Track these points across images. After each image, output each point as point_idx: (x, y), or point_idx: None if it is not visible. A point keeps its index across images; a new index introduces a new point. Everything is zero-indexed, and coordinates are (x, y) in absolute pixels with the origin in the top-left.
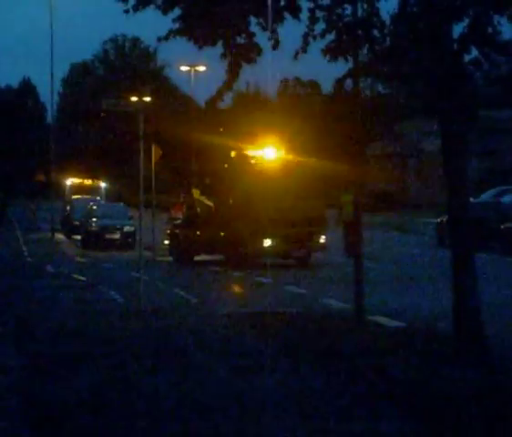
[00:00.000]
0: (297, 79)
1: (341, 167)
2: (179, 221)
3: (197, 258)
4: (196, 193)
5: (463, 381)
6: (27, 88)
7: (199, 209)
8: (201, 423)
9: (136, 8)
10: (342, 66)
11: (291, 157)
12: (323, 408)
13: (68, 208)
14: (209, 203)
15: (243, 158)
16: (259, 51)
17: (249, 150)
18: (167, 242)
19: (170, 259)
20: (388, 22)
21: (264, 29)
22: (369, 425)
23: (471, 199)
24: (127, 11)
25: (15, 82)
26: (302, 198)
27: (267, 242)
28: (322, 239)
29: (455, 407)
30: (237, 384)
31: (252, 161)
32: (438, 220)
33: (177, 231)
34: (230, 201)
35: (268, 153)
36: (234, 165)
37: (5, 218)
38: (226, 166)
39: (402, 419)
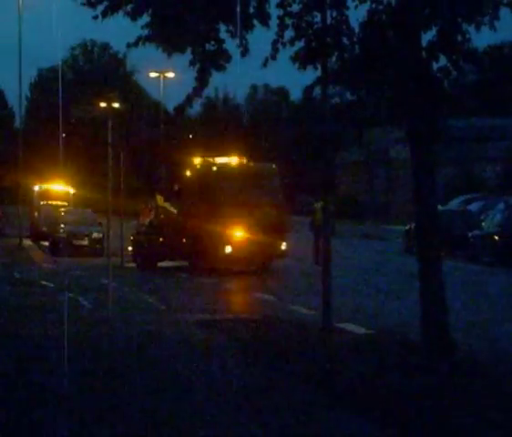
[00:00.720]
0: (266, 86)
1: (311, 174)
2: (142, 228)
3: (160, 264)
4: (160, 199)
5: (423, 385)
6: None
7: (162, 216)
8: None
9: (104, 14)
10: (311, 74)
11: (254, 164)
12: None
13: (36, 213)
14: (173, 210)
15: (205, 166)
16: (228, 58)
17: (212, 158)
18: (130, 248)
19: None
20: (357, 30)
21: (233, 36)
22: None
23: (439, 207)
24: (95, 17)
25: None
26: (264, 206)
27: (228, 249)
28: (283, 246)
29: (404, 410)
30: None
31: (214, 168)
32: (406, 228)
33: (140, 238)
34: (193, 208)
35: (231, 160)
36: (197, 172)
37: None
38: (189, 173)
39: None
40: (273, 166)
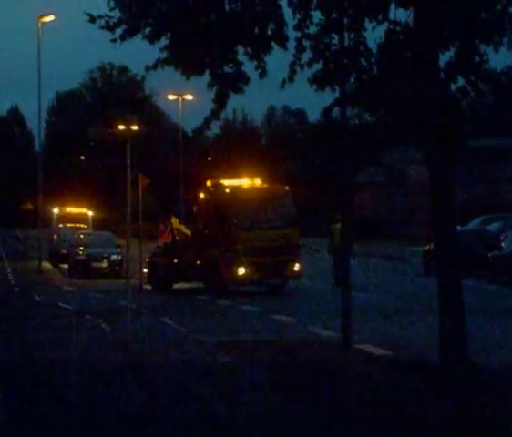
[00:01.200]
0: (285, 107)
1: (329, 195)
2: (158, 250)
3: (177, 286)
4: (175, 222)
5: (442, 408)
6: (15, 116)
7: (177, 238)
8: None
9: (123, 38)
10: (329, 96)
11: (266, 186)
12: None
13: (55, 236)
14: (187, 231)
15: (218, 188)
16: (246, 80)
17: (225, 180)
18: (146, 270)
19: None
20: (375, 51)
21: (251, 58)
22: None
23: (458, 227)
24: (114, 40)
25: (3, 110)
26: (276, 227)
27: (241, 270)
28: (297, 267)
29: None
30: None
31: (227, 191)
32: (425, 248)
33: (156, 260)
34: (206, 230)
35: (244, 182)
36: (210, 194)
37: None
38: (202, 195)
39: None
40: (286, 187)
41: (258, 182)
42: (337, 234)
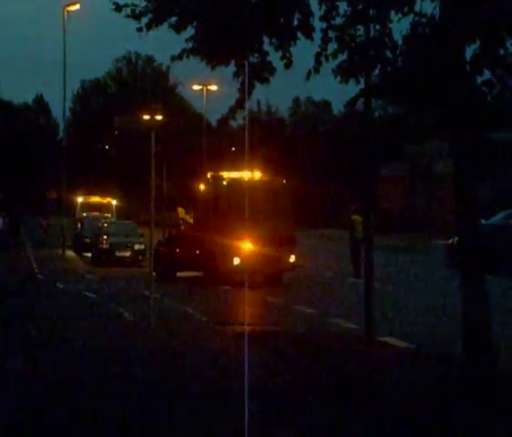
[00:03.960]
0: (309, 99)
1: (349, 187)
2: (162, 239)
3: (188, 274)
4: (181, 211)
5: (464, 403)
6: (41, 104)
7: (182, 227)
8: None
9: (149, 27)
10: (352, 88)
11: (264, 178)
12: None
13: (79, 225)
14: (191, 221)
15: (217, 179)
16: (272, 70)
17: (225, 172)
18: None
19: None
20: (400, 42)
21: (277, 49)
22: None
23: (482, 221)
24: (140, 29)
25: (29, 99)
26: (272, 219)
27: (236, 260)
28: (292, 259)
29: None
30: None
31: (224, 183)
32: (449, 242)
33: (160, 248)
34: (205, 221)
35: (243, 175)
36: (209, 186)
37: (18, 234)
38: (202, 186)
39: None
40: (283, 180)
41: (257, 175)
42: (358, 226)
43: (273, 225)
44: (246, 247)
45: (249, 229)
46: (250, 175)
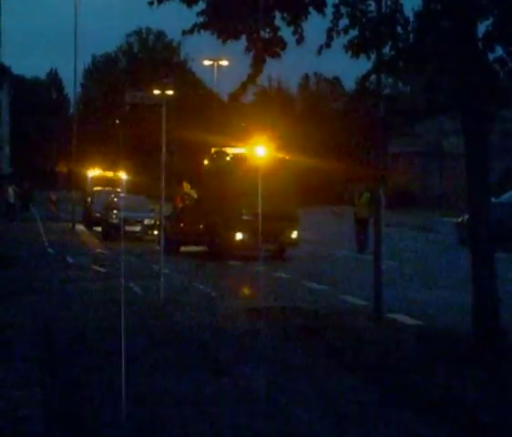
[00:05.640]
0: (318, 74)
1: (358, 165)
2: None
3: (197, 249)
4: (186, 186)
5: (471, 381)
6: (54, 80)
7: (187, 202)
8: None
9: (160, 1)
10: (362, 64)
11: (272, 155)
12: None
13: (89, 199)
14: (195, 196)
15: (220, 155)
16: (283, 45)
17: (228, 147)
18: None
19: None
20: (412, 19)
21: (288, 24)
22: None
23: (492, 199)
24: (151, 3)
25: (43, 74)
26: (274, 195)
27: (238, 236)
28: (294, 235)
29: (452, 407)
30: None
31: (227, 158)
32: (459, 220)
33: (165, 223)
34: (208, 196)
35: (246, 150)
36: (212, 161)
37: (29, 208)
38: (206, 162)
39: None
40: (286, 157)
41: (260, 150)
42: (363, 202)
43: (276, 201)
44: (247, 222)
45: (251, 205)
46: (254, 150)
